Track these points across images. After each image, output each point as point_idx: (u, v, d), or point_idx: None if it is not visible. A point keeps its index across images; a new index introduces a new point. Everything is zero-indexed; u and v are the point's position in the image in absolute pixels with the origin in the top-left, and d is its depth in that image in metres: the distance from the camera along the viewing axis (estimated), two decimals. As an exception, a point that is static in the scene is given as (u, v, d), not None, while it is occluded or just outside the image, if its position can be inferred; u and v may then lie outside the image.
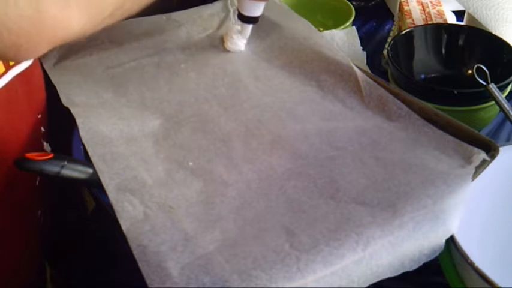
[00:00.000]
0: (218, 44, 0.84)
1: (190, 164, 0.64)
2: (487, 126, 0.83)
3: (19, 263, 0.72)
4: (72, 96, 0.72)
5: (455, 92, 0.74)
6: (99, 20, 0.55)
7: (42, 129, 0.73)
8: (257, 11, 0.79)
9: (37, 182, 0.72)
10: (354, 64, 0.74)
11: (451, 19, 1.00)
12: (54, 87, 0.73)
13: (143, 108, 0.72)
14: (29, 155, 0.57)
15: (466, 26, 0.96)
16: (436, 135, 0.64)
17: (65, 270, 0.81)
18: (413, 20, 0.94)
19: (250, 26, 0.81)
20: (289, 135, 0.67)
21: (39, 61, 0.74)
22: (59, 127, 0.71)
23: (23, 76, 0.67)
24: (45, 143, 0.72)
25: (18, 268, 0.72)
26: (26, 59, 0.61)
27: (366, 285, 0.52)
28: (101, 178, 0.59)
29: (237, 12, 0.80)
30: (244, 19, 0.80)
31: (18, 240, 0.71)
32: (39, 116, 0.72)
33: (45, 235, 0.78)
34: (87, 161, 0.62)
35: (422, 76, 0.86)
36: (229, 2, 0.87)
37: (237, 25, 0.83)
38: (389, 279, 0.53)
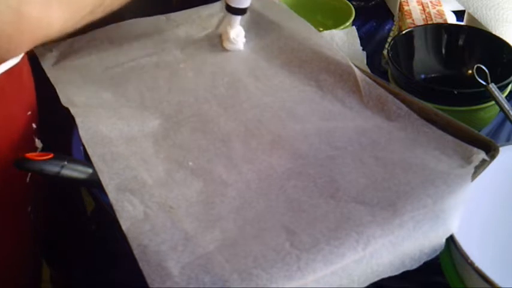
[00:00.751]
0: (217, 43, 0.84)
1: (190, 164, 0.64)
2: (487, 126, 0.83)
3: (11, 260, 0.72)
4: (71, 96, 0.72)
5: (455, 92, 0.74)
6: (80, 17, 0.55)
7: (34, 125, 0.72)
8: (245, 2, 0.80)
9: (28, 179, 0.71)
10: (354, 64, 0.74)
11: (451, 19, 1.00)
12: (54, 87, 0.73)
13: (143, 108, 0.72)
14: (29, 155, 0.57)
15: (466, 26, 0.95)
16: (435, 135, 0.64)
17: (64, 270, 0.81)
18: (413, 20, 0.94)
19: (238, 18, 0.81)
20: (289, 135, 0.67)
21: (28, 57, 0.73)
22: (59, 127, 0.71)
23: (10, 73, 0.67)
24: (36, 140, 0.72)
25: (11, 266, 0.72)
26: (8, 59, 0.61)
27: (366, 285, 0.52)
28: (101, 178, 0.59)
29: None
30: (232, 10, 0.80)
31: (9, 237, 0.71)
32: (29, 112, 0.72)
33: (43, 234, 0.78)
34: (87, 161, 0.62)
35: (422, 76, 0.86)
36: (228, 2, 0.88)
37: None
38: (389, 278, 0.53)
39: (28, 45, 0.52)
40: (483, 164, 0.60)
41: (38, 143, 0.72)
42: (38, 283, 0.82)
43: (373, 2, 1.15)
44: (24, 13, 0.48)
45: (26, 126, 0.71)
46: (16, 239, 0.73)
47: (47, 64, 0.78)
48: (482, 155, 0.60)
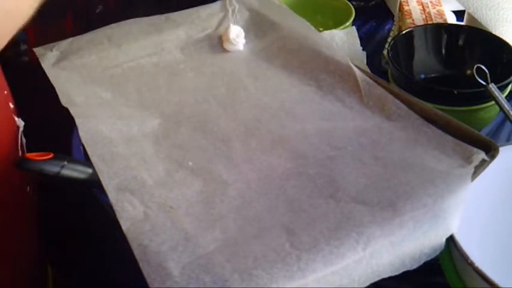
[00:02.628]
0: (217, 43, 0.84)
1: (190, 163, 0.64)
2: (487, 126, 0.83)
3: (15, 242, 0.71)
4: (71, 96, 0.72)
5: (455, 92, 0.74)
6: None
7: (11, 105, 0.71)
8: None
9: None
10: (354, 64, 0.74)
11: (451, 19, 1.00)
12: (53, 87, 0.72)
13: (142, 108, 0.72)
14: (29, 155, 0.57)
15: (466, 26, 0.96)
16: (435, 135, 0.64)
17: (65, 271, 0.81)
18: (413, 20, 0.94)
19: None
20: (289, 135, 0.67)
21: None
22: (59, 127, 0.71)
23: None
24: (16, 118, 0.71)
25: (15, 248, 0.71)
26: None
27: (366, 285, 0.52)
28: (101, 178, 0.59)
29: (236, 12, 0.80)
30: None
31: (11, 218, 0.69)
32: (6, 92, 0.70)
33: (44, 233, 0.78)
34: (87, 161, 0.62)
35: (422, 76, 0.86)
36: (227, 2, 0.88)
37: (236, 25, 0.83)
38: (389, 278, 0.53)
39: (14, 30, 0.51)
40: (483, 164, 0.60)
41: (19, 122, 0.71)
42: (45, 272, 0.81)
43: (373, 2, 1.15)
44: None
45: (3, 106, 0.70)
46: (18, 221, 0.72)
47: (46, 64, 0.78)
48: (482, 155, 0.60)
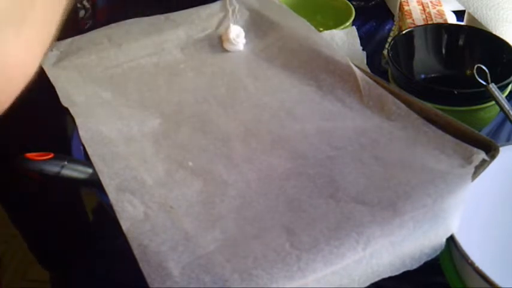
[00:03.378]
0: (217, 43, 0.84)
1: (190, 164, 0.64)
2: (487, 126, 0.82)
3: None
4: (71, 96, 0.72)
5: (455, 92, 0.74)
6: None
7: None
8: None
9: None
10: (354, 64, 0.74)
11: (451, 19, 1.00)
12: (53, 87, 0.72)
13: (143, 108, 0.72)
14: (29, 155, 0.57)
15: (466, 26, 0.95)
16: (435, 134, 0.64)
17: (64, 271, 0.81)
18: (413, 20, 0.94)
19: None
20: (289, 135, 0.67)
21: None
22: (58, 127, 0.71)
23: None
24: None
25: None
26: None
27: (366, 285, 0.52)
28: (101, 178, 0.59)
29: (236, 12, 0.80)
30: None
31: None
32: None
33: (42, 234, 0.78)
34: (87, 161, 0.62)
35: (422, 76, 0.86)
36: (227, 2, 0.88)
37: (236, 25, 0.83)
38: (389, 278, 0.53)
39: (15, 94, 0.44)
40: (483, 164, 0.60)
41: None
42: None
43: (373, 2, 1.14)
44: (9, 56, 0.40)
45: None
46: None
47: (46, 64, 0.78)
48: (482, 155, 0.60)
